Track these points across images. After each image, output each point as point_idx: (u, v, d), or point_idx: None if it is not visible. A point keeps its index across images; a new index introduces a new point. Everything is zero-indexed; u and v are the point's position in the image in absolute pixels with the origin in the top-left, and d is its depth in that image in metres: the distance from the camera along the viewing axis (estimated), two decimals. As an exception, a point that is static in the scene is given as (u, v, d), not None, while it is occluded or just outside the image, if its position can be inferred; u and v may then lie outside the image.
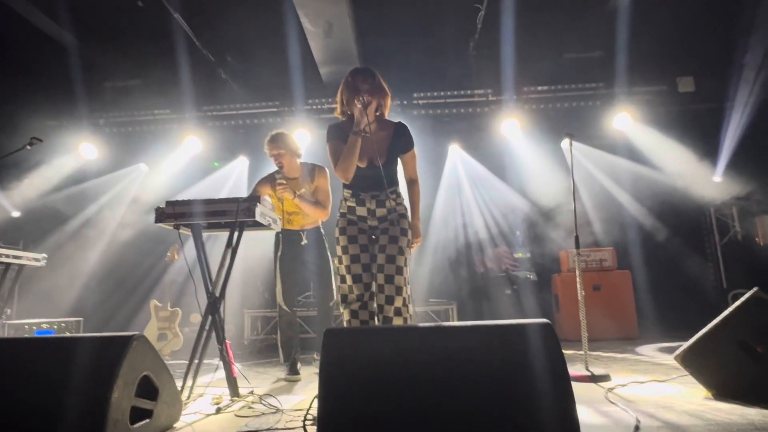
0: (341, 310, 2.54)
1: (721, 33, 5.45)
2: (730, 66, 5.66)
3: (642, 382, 2.82)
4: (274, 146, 3.47)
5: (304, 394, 2.89)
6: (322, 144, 6.22)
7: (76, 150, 6.32)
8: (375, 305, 2.48)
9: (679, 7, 4.87)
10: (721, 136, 5.89)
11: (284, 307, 3.55)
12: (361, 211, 2.58)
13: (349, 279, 2.49)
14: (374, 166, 2.50)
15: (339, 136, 2.54)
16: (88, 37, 5.57)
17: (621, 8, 5.01)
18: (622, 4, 5.00)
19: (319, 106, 6.37)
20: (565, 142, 5.87)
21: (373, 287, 2.49)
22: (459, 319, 5.54)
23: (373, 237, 2.59)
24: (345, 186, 2.60)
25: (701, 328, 2.47)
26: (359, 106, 2.41)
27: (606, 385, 2.79)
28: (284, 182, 3.38)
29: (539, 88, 6.21)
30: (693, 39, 5.48)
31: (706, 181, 5.89)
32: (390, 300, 2.44)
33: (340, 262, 2.54)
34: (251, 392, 2.77)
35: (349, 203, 2.58)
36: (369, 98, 2.45)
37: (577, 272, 3.20)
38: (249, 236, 2.95)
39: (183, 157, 6.42)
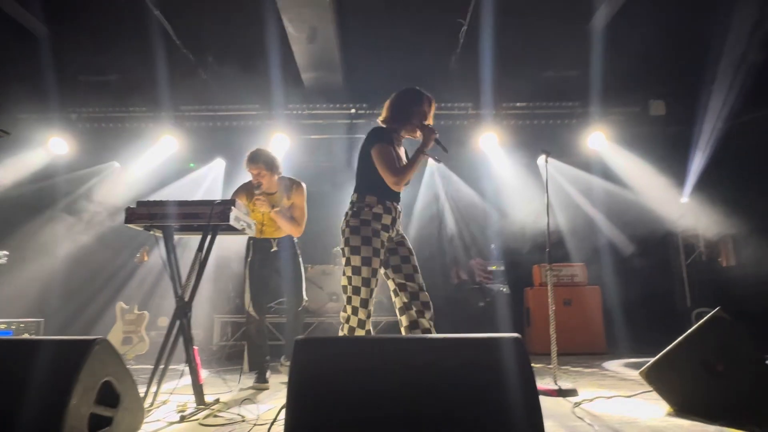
0: (346, 312, 2.45)
1: (692, 59, 5.66)
2: (699, 91, 5.88)
3: (608, 397, 2.87)
4: (253, 165, 3.44)
5: (272, 402, 2.84)
6: (301, 149, 6.27)
7: (46, 144, 6.12)
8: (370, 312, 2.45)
9: (652, 32, 5.03)
10: (689, 159, 6.10)
11: (252, 314, 3.49)
12: (387, 219, 2.51)
13: (357, 280, 2.40)
14: None
15: (391, 140, 2.54)
16: (61, 28, 5.40)
17: (597, 31, 5.16)
18: (597, 26, 5.15)
19: (299, 111, 6.34)
20: (541, 159, 5.98)
21: (404, 297, 2.45)
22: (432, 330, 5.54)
23: (389, 247, 2.54)
24: (368, 192, 2.50)
25: (667, 345, 2.54)
26: (436, 137, 2.51)
27: (573, 399, 2.82)
28: (262, 198, 3.36)
29: (517, 104, 6.33)
30: (665, 64, 5.68)
31: (674, 202, 6.08)
32: (427, 306, 2.44)
33: (348, 264, 2.43)
34: (217, 400, 2.71)
35: (375, 210, 2.47)
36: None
37: (549, 287, 3.25)
38: (222, 239, 2.90)
39: (158, 156, 6.29)
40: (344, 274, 2.47)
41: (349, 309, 2.44)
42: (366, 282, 2.41)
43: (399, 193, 2.58)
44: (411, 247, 2.59)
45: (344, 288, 2.47)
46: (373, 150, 2.49)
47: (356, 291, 2.42)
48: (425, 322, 2.41)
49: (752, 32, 5.06)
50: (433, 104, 2.66)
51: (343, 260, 2.49)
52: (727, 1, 4.89)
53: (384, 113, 2.65)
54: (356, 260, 2.42)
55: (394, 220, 2.55)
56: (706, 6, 4.94)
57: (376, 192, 2.49)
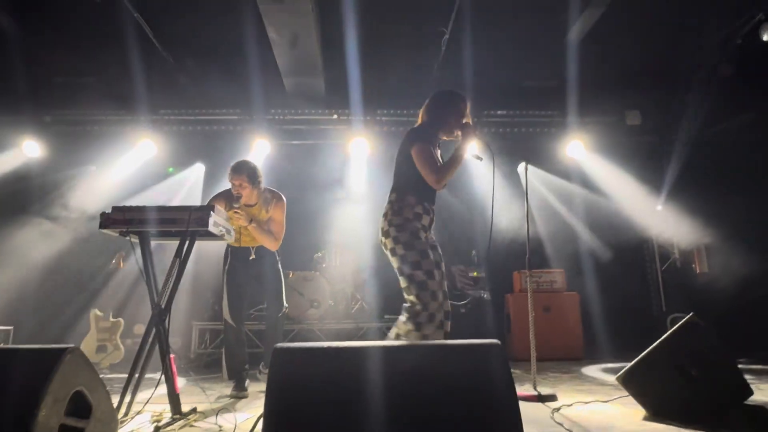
0: (409, 313, 2.35)
1: (666, 71, 5.82)
2: (673, 102, 6.04)
3: (586, 402, 2.90)
4: (236, 176, 3.41)
5: (250, 411, 2.79)
6: (282, 154, 6.22)
7: (19, 147, 5.95)
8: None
9: (627, 46, 5.17)
10: (664, 167, 6.26)
11: (230, 322, 3.45)
12: (426, 220, 2.52)
13: (420, 275, 2.35)
14: None
15: (430, 140, 2.53)
16: (34, 26, 5.25)
17: (574, 43, 5.27)
18: (575, 39, 5.25)
19: (281, 117, 6.31)
20: (521, 167, 6.06)
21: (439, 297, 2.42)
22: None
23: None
24: (407, 192, 2.49)
25: (643, 350, 2.58)
26: (476, 132, 2.54)
27: (552, 405, 2.85)
28: (240, 212, 3.33)
29: (498, 112, 6.41)
30: (641, 75, 5.82)
31: (650, 209, 6.21)
32: (448, 315, 2.44)
33: (405, 262, 2.35)
34: (194, 409, 2.65)
35: (416, 210, 2.47)
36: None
37: (529, 293, 3.28)
38: (200, 245, 2.85)
39: (136, 160, 6.17)
40: (401, 274, 2.37)
41: (419, 307, 2.31)
42: (430, 274, 2.33)
43: (435, 195, 2.58)
44: (441, 252, 2.58)
45: (406, 289, 2.36)
46: (414, 149, 2.46)
47: (422, 286, 2.32)
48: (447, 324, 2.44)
49: (723, 46, 5.23)
50: (468, 103, 2.66)
51: (394, 262, 2.40)
52: (699, 17, 5.06)
53: (420, 118, 2.67)
54: (414, 255, 2.35)
55: (431, 222, 2.56)
56: (679, 21, 5.09)
57: (415, 193, 2.49)
